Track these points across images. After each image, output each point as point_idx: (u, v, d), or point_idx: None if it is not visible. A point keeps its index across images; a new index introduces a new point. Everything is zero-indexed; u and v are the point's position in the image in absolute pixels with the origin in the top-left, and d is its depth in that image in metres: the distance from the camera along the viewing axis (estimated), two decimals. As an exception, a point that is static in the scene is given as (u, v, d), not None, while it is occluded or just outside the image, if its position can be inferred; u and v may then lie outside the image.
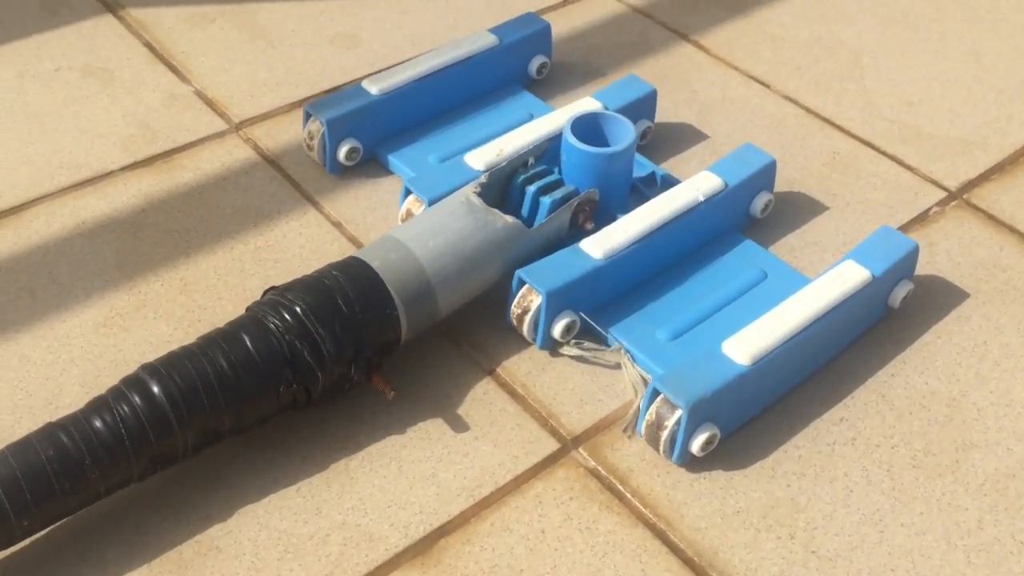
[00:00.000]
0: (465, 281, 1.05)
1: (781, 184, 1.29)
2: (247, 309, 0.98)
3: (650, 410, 0.97)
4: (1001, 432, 1.02)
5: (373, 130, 1.28)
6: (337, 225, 1.23)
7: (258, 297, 1.00)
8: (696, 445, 0.96)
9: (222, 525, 0.93)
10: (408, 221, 1.07)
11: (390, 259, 1.01)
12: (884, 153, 1.35)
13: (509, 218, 1.07)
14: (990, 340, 1.11)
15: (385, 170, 1.30)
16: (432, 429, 1.01)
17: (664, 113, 1.40)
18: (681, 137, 1.37)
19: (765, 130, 1.39)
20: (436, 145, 1.30)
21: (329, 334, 0.95)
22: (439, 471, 0.98)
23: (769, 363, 0.99)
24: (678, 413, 0.95)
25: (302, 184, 1.28)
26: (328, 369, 0.95)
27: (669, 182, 1.26)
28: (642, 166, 1.26)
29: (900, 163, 1.34)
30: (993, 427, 1.02)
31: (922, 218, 1.26)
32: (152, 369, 0.91)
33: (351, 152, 1.27)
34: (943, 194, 1.29)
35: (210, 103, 1.40)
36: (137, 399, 0.89)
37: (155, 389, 0.89)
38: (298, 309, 0.95)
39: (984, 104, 1.43)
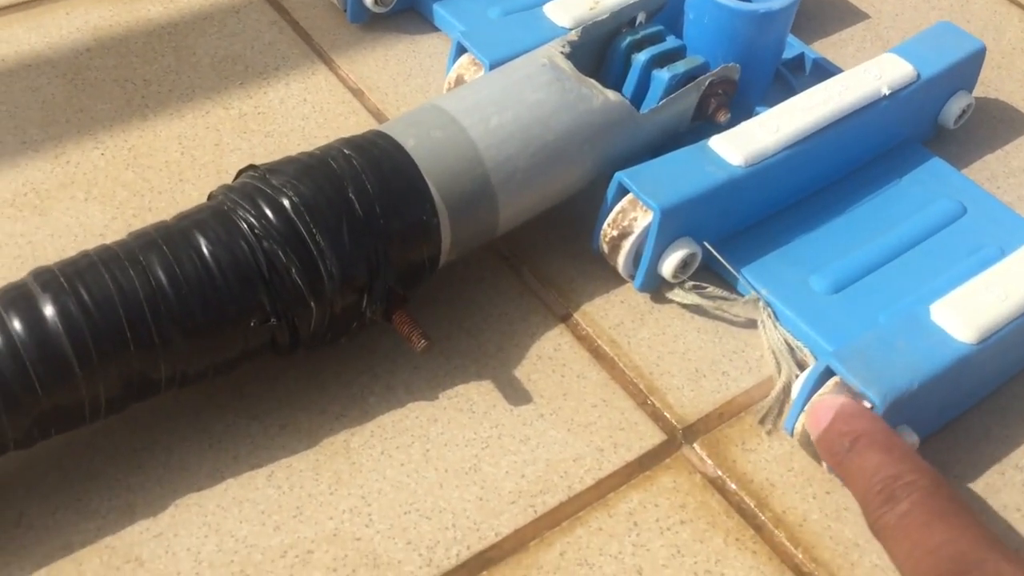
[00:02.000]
0: (541, 181, 0.70)
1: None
2: (209, 196, 0.64)
3: (814, 400, 0.63)
4: None
5: (414, -36, 0.92)
6: (357, 93, 0.88)
7: (231, 180, 0.66)
8: (883, 461, 0.62)
9: (149, 523, 0.61)
10: (460, 87, 0.72)
11: (433, 139, 0.66)
12: (1110, 57, 0.99)
13: (611, 93, 0.72)
14: None
15: (428, 23, 0.94)
16: (476, 397, 0.68)
17: (809, -20, 1.03)
18: (834, 13, 1.01)
19: (945, 13, 1.02)
20: (500, -7, 0.94)
21: (332, 244, 0.61)
22: (483, 463, 0.65)
23: (1000, 342, 0.65)
24: (864, 410, 0.61)
25: (312, 34, 0.93)
26: (327, 298, 0.61)
27: (823, 69, 0.90)
28: (788, 46, 0.90)
29: None
30: None
31: None
32: (48, 278, 0.57)
33: (383, -7, 0.91)
34: None
35: (198, -82, 1.04)
36: (17, 324, 0.55)
37: (47, 310, 0.56)
38: (286, 202, 0.61)
39: None
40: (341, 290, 0.61)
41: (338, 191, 0.62)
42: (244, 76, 0.88)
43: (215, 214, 0.61)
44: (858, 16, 1.01)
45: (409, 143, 0.66)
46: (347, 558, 0.60)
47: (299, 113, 0.85)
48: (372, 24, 0.94)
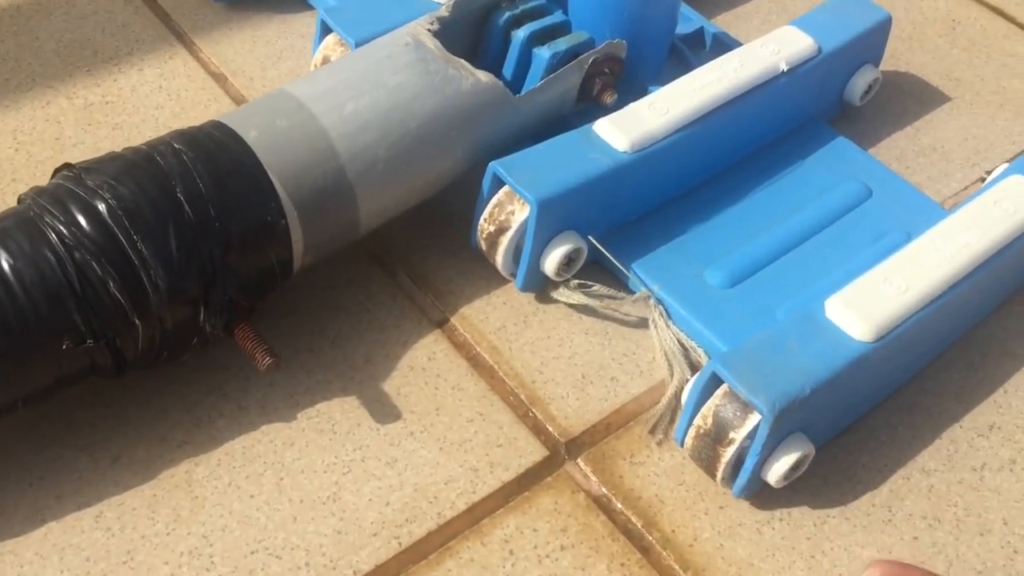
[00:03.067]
0: (406, 172, 0.63)
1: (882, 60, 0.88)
2: (18, 200, 0.57)
3: (705, 409, 0.58)
4: None
5: (283, -62, 0.85)
6: (219, 78, 0.80)
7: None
8: (778, 472, 0.57)
9: (-44, 576, 0.53)
10: (315, 71, 0.65)
11: (278, 129, 0.59)
12: (1023, 27, 0.94)
13: (483, 74, 0.66)
14: None
15: (301, 4, 0.87)
16: (339, 416, 0.62)
17: (713, -50, 0.97)
18: (737, -15, 0.95)
19: (855, -16, 0.97)
20: (380, -31, 0.86)
21: (156, 252, 0.54)
22: (344, 491, 0.58)
23: (901, 339, 0.60)
24: (753, 420, 0.56)
25: (172, 15, 0.85)
26: (153, 313, 0.54)
27: (724, 44, 0.84)
28: (687, 20, 0.84)
29: (1047, 42, 0.93)
30: None
31: (1084, 122, 0.86)
32: None
33: (247, -32, 0.83)
34: (1111, 89, 0.89)
35: None
36: None
37: None
38: (101, 206, 0.53)
39: None
40: (170, 304, 0.54)
41: (164, 191, 0.55)
42: (92, 62, 0.80)
43: (19, 221, 0.53)
44: (764, -13, 0.96)
45: (251, 135, 0.59)
46: (183, 607, 0.53)
47: (153, 102, 0.77)
48: (239, 3, 0.86)
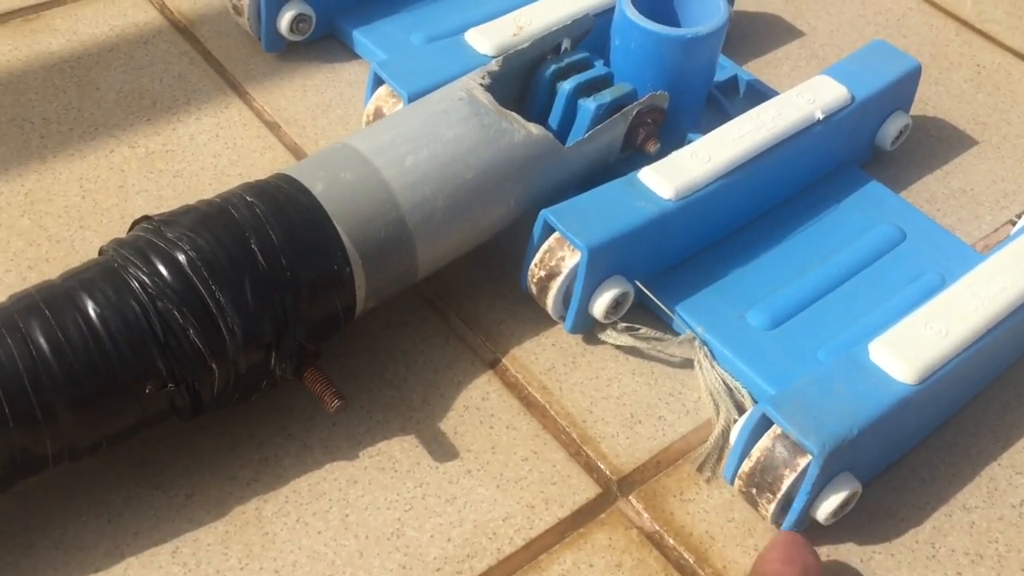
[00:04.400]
0: (462, 221, 0.66)
1: (910, 105, 0.91)
2: (100, 251, 0.60)
3: (755, 450, 0.60)
4: None
5: (333, -9, 0.88)
6: (272, 127, 0.83)
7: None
8: (827, 510, 0.59)
9: (40, 611, 0.56)
10: (374, 124, 0.68)
11: (343, 182, 0.62)
12: (1046, 71, 0.97)
13: (534, 126, 0.69)
14: None
15: (348, 51, 0.90)
16: (399, 454, 0.64)
17: (743, -2, 1.01)
18: (767, 31, 0.98)
19: (881, 29, 1.00)
20: (423, 19, 0.90)
21: (233, 301, 0.57)
22: (407, 527, 0.61)
23: (943, 381, 0.62)
24: (804, 460, 0.58)
25: (226, 65, 0.88)
26: (229, 358, 0.57)
27: (757, 91, 0.87)
28: (720, 67, 0.87)
29: (1069, 86, 0.96)
30: None
31: (1109, 164, 0.89)
32: (-85, 350, 0.52)
33: (299, 21, 0.87)
34: None
35: (104, -57, 0.99)
36: None
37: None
38: (181, 257, 0.56)
39: None
40: (245, 349, 0.57)
41: (239, 243, 0.58)
42: (152, 112, 0.83)
43: (104, 272, 0.56)
44: (793, 34, 0.99)
45: (317, 187, 0.62)
46: (258, 641, 0.56)
47: (211, 150, 0.81)
48: (289, 53, 0.89)
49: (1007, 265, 0.67)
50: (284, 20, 0.86)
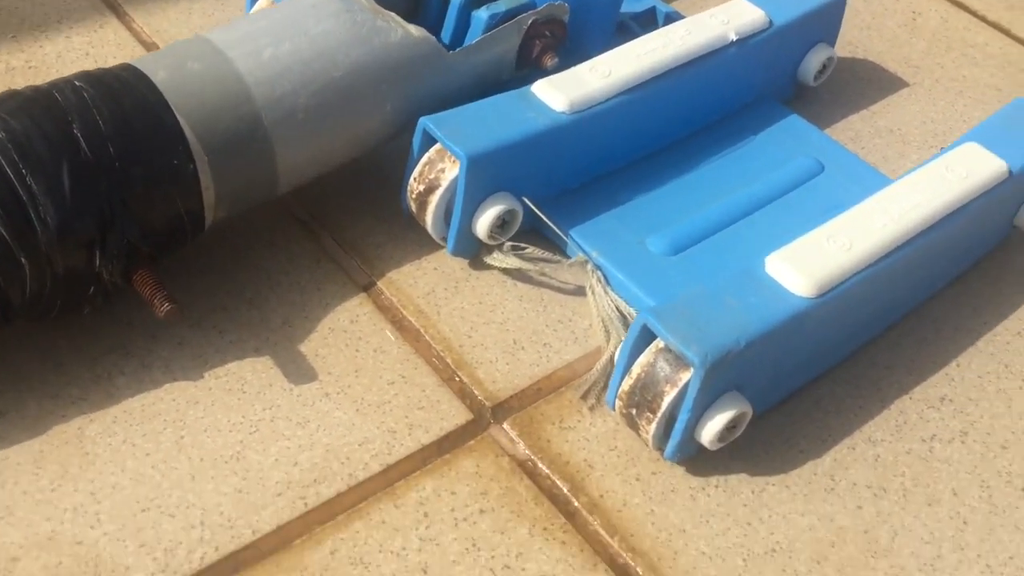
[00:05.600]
0: (329, 124, 0.60)
1: (839, 46, 0.86)
2: (-95, 134, 0.54)
3: (635, 366, 0.54)
4: None
5: (227, -89, 0.83)
6: (149, 47, 0.78)
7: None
8: (712, 430, 0.54)
9: None
10: (237, 19, 0.63)
11: (189, 71, 0.57)
12: (983, 19, 0.93)
13: (414, 28, 0.63)
14: None
15: (245, -23, 0.85)
16: (251, 376, 0.58)
17: (671, -60, 0.96)
18: (694, -27, 0.94)
19: (814, -24, 0.95)
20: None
21: (47, 189, 0.50)
22: (249, 450, 0.55)
23: (843, 298, 0.56)
24: (687, 375, 0.52)
25: (110, -16, 0.83)
26: (41, 252, 0.51)
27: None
28: (637, -2, 0.83)
29: (1007, 34, 0.91)
30: None
31: (1045, 109, 0.84)
32: None
33: (188, -61, 0.81)
34: (1073, 79, 0.88)
35: None
36: None
37: None
38: (-11, 135, 0.51)
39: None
40: (61, 244, 0.51)
41: (60, 128, 0.52)
42: (19, 29, 0.77)
43: (-100, 151, 0.50)
44: (721, -23, 0.94)
45: (159, 75, 0.56)
46: (61, 566, 0.49)
47: (78, 68, 0.74)
48: (180, -23, 0.84)
49: (922, 184, 0.62)
50: (172, -62, 0.80)
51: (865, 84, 0.85)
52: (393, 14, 0.63)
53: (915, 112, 0.82)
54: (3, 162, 0.50)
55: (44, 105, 0.52)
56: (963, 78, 0.86)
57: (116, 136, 0.53)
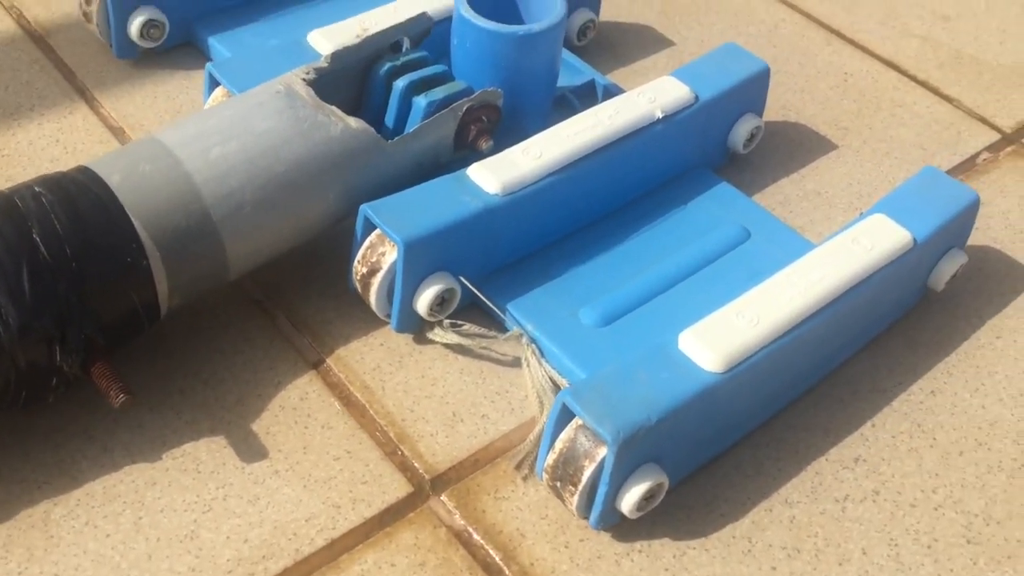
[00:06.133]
0: (275, 215, 0.65)
1: (773, 111, 0.91)
2: None
3: (558, 442, 0.59)
4: (1098, 489, 0.66)
5: (186, -3, 0.88)
6: (116, 132, 0.82)
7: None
8: (629, 501, 0.58)
9: None
10: (188, 116, 0.67)
11: (141, 173, 0.61)
12: (914, 79, 0.98)
13: (353, 120, 0.68)
14: (1074, 345, 0.75)
15: (205, 58, 0.89)
16: (205, 456, 0.62)
17: (616, 8, 1.01)
18: (637, 41, 0.98)
19: (752, 40, 1.00)
20: (282, 26, 0.89)
21: (8, 291, 0.55)
22: (203, 528, 0.59)
23: (752, 371, 0.61)
24: (602, 450, 0.57)
25: (77, 72, 0.87)
26: (4, 352, 0.55)
27: (614, 95, 0.87)
28: (578, 72, 0.87)
29: (935, 92, 0.96)
30: (1084, 479, 0.66)
31: (967, 167, 0.89)
32: None
33: (149, 27, 0.86)
34: (995, 136, 0.92)
35: (-35, -45, 0.98)
36: None
37: None
38: (-49, 247, 0.55)
39: (1043, 23, 1.07)
40: (22, 342, 0.55)
41: (20, 233, 0.56)
42: (-7, 118, 0.82)
43: None
44: (663, 43, 0.99)
45: (114, 178, 0.60)
46: (24, 646, 0.53)
47: (48, 155, 0.79)
48: (144, 60, 0.88)
49: (829, 257, 0.66)
50: (134, 26, 0.85)
51: (796, 147, 0.89)
52: (334, 108, 0.68)
53: (842, 174, 0.87)
54: (-33, 272, 0.54)
55: (5, 211, 0.57)
56: (890, 138, 0.91)
57: (73, 238, 0.57)
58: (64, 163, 0.79)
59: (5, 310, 0.55)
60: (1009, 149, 0.91)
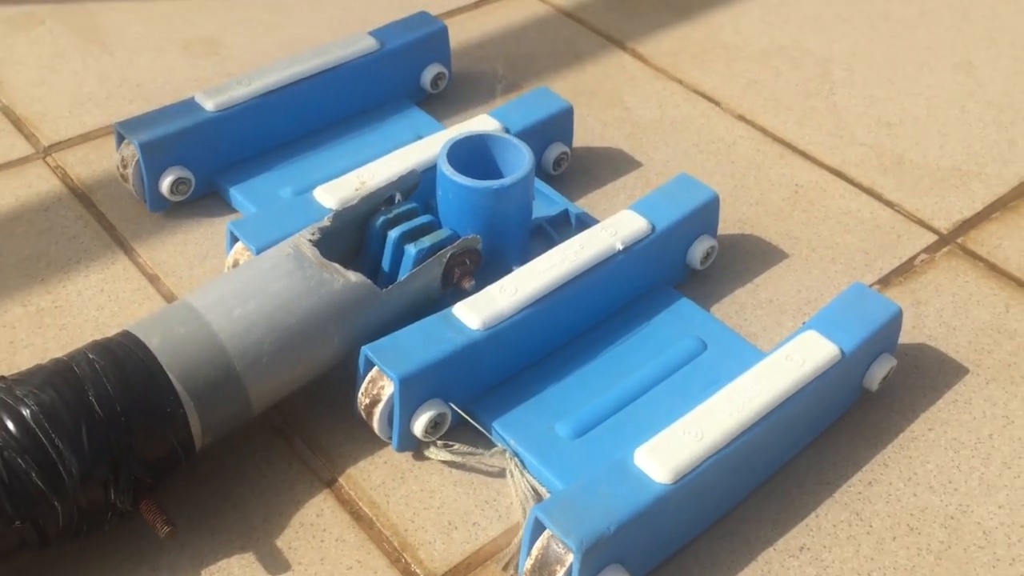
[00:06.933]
0: (290, 361, 0.76)
1: (730, 225, 1.02)
2: (-37, 409, 0.70)
3: (534, 549, 0.69)
4: (1016, 563, 0.75)
5: (209, 156, 1.00)
6: (152, 278, 0.95)
7: None
8: (596, 600, 0.68)
9: None
10: (213, 280, 0.79)
11: (175, 335, 0.73)
12: (859, 186, 1.09)
13: (353, 275, 0.79)
14: (997, 433, 0.84)
15: (228, 205, 1.02)
16: (237, 570, 0.73)
17: (589, 135, 1.13)
18: (608, 164, 1.10)
19: (712, 157, 1.12)
20: (293, 174, 1.02)
21: (71, 446, 0.66)
22: (237, 635, 0.69)
23: (699, 480, 0.71)
24: (570, 557, 0.67)
25: (116, 225, 1.00)
26: (69, 496, 0.67)
27: (586, 222, 0.98)
28: (552, 202, 0.99)
29: (878, 198, 1.07)
30: (1004, 556, 0.75)
31: (906, 268, 0.99)
32: None
33: (178, 184, 0.99)
34: (932, 238, 1.03)
35: (17, 122, 1.12)
36: None
37: None
38: (25, 412, 0.67)
39: (980, 126, 1.17)
40: (83, 487, 0.67)
41: (78, 396, 0.68)
42: (46, 272, 0.94)
43: (-39, 427, 0.66)
44: (631, 165, 1.11)
45: (153, 342, 0.72)
46: None
47: (95, 304, 0.92)
48: (174, 210, 1.01)
49: (764, 374, 0.77)
50: (165, 184, 0.98)
51: (751, 258, 1.00)
52: (336, 265, 0.79)
53: (792, 282, 0.97)
54: (38, 431, 0.66)
55: (65, 377, 0.69)
56: (836, 245, 1.02)
57: (122, 397, 0.69)
58: (109, 310, 0.91)
59: (68, 461, 0.66)
60: (945, 249, 1.01)
